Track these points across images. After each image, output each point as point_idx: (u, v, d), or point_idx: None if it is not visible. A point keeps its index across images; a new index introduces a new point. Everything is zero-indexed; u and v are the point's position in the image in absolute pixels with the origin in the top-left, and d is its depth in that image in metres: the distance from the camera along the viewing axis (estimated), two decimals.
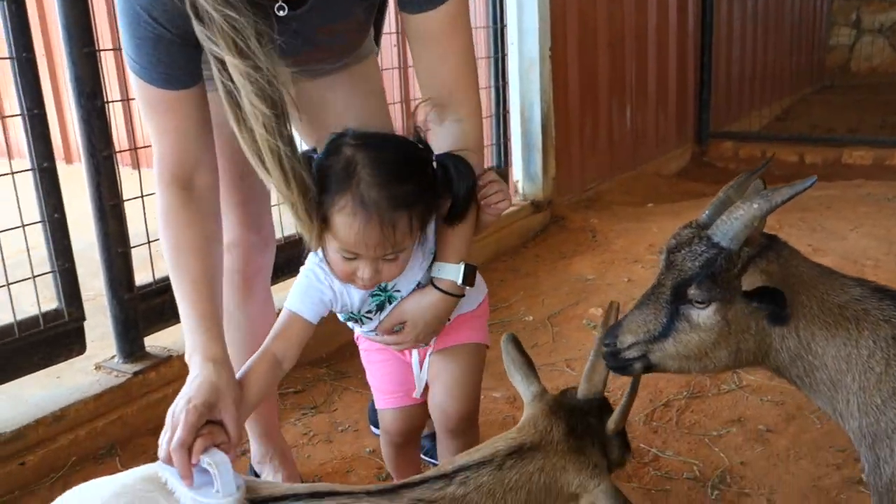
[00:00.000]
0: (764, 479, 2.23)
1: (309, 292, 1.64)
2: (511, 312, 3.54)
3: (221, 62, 1.39)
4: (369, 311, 1.72)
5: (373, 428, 2.51)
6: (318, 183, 1.50)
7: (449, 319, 1.78)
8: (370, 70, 2.03)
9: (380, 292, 1.69)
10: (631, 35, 5.78)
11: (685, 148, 6.85)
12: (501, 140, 4.52)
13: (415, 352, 1.84)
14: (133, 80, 1.54)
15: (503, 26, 4.41)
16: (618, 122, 5.76)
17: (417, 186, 1.54)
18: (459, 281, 1.68)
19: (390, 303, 1.70)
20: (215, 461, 1.36)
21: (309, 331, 1.65)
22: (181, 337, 1.60)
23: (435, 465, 2.31)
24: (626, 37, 5.74)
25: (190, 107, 1.53)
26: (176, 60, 1.47)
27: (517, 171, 4.78)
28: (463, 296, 1.73)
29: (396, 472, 2.00)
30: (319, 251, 1.62)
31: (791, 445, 2.36)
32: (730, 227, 1.35)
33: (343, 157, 1.51)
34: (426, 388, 1.89)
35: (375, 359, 1.89)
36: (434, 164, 1.61)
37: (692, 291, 1.37)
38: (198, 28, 1.38)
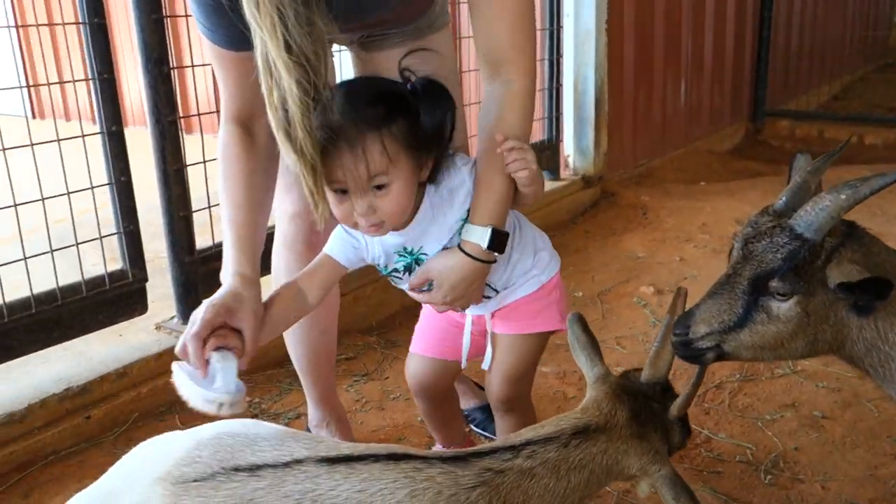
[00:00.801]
0: (818, 465, 2.22)
1: (342, 236, 1.67)
2: None
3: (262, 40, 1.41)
4: (397, 271, 1.72)
5: (473, 427, 2.52)
6: None
7: (496, 290, 1.77)
8: (440, 41, 2.02)
9: (406, 254, 1.68)
10: (688, 7, 5.67)
11: (739, 125, 6.72)
12: (554, 114, 4.48)
13: (469, 321, 1.84)
14: (200, 33, 1.66)
15: None
16: (672, 96, 5.67)
17: (386, 110, 1.51)
18: (485, 245, 1.62)
19: (418, 264, 1.69)
20: (219, 356, 1.45)
21: (337, 273, 1.69)
22: None
23: (486, 437, 2.35)
24: (684, 9, 5.62)
25: (250, 65, 1.52)
26: (234, 26, 1.48)
27: (568, 146, 4.74)
28: (493, 262, 1.68)
29: (432, 423, 2.07)
30: None
31: (847, 433, 2.34)
32: (814, 218, 1.32)
33: (321, 100, 1.47)
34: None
35: (432, 311, 1.88)
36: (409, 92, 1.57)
37: (774, 284, 1.35)
38: (245, 2, 1.39)
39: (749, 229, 1.43)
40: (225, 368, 1.44)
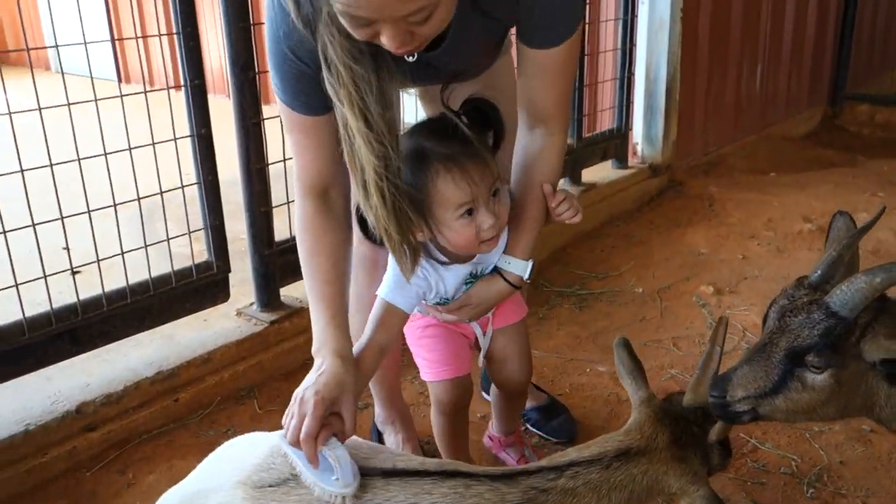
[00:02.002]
0: (862, 480, 2.29)
1: (403, 283, 1.75)
2: (622, 282, 3.62)
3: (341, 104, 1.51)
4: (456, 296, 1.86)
5: (484, 394, 2.69)
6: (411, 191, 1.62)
7: None
8: (501, 69, 2.10)
9: (472, 279, 1.83)
10: None
11: (816, 109, 6.59)
12: (624, 102, 4.51)
13: (477, 325, 2.01)
14: (278, 104, 1.70)
15: None
16: (747, 82, 5.61)
17: (466, 128, 1.65)
18: (526, 276, 1.83)
19: (473, 280, 1.84)
20: (337, 455, 1.51)
21: (405, 319, 1.81)
22: None
23: (542, 436, 2.49)
24: None
25: (327, 129, 1.65)
26: (316, 92, 1.57)
27: (637, 134, 4.77)
28: (519, 287, 1.88)
29: (445, 440, 2.14)
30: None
31: (893, 449, 2.40)
32: (850, 298, 1.38)
33: (408, 154, 1.61)
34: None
35: (433, 333, 2.00)
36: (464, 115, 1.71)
37: (811, 359, 1.42)
38: (326, 75, 1.50)
39: (786, 301, 1.50)
40: (342, 464, 1.50)
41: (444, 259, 1.77)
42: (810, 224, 4.11)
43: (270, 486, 1.59)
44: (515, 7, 1.64)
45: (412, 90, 2.07)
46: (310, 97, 1.61)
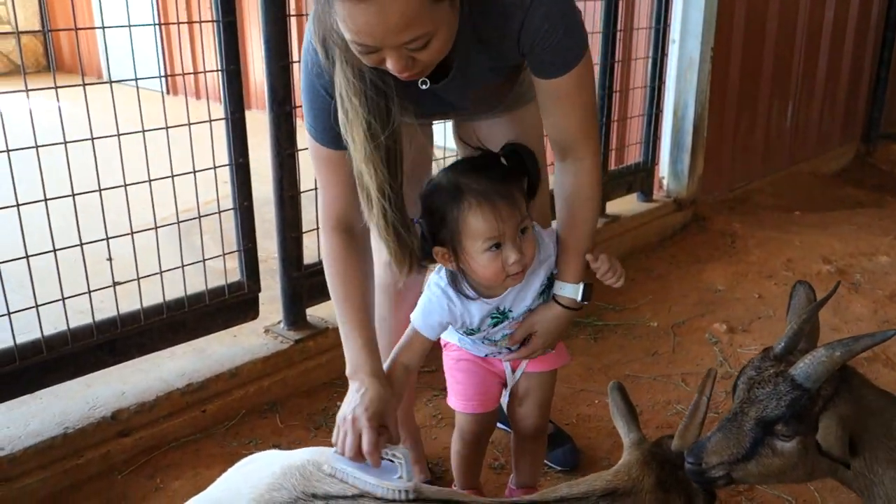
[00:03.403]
0: None
1: (430, 315, 1.92)
2: (637, 316, 3.72)
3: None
4: (488, 332, 1.99)
5: (500, 424, 2.80)
6: (436, 221, 1.80)
7: None
8: (527, 114, 2.23)
9: (498, 315, 1.96)
10: (803, 30, 5.62)
11: (849, 147, 6.61)
12: (651, 137, 4.61)
13: (508, 364, 2.13)
14: (308, 139, 1.88)
15: (666, 26, 4.45)
16: (777, 119, 5.67)
17: (502, 169, 1.82)
18: (579, 298, 1.95)
19: (504, 321, 1.97)
20: (400, 452, 1.70)
21: (429, 345, 1.96)
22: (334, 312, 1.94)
23: (545, 463, 2.61)
24: (798, 32, 5.59)
25: (351, 164, 1.80)
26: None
27: (664, 168, 4.86)
28: (580, 310, 2.00)
29: (461, 465, 2.28)
30: (443, 273, 1.91)
31: None
32: (813, 371, 1.49)
33: (443, 186, 1.80)
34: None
35: (465, 367, 2.15)
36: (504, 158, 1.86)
37: (779, 428, 1.53)
38: (340, 110, 1.69)
39: (753, 373, 1.61)
40: (405, 463, 1.68)
41: (471, 294, 1.91)
42: (829, 266, 4.17)
43: None
44: (516, 46, 1.77)
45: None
46: (336, 130, 1.77)
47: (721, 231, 4.71)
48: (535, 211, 1.96)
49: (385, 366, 1.89)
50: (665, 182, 4.89)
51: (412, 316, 1.94)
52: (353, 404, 1.75)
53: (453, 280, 1.90)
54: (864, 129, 6.72)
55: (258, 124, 3.04)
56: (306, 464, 1.82)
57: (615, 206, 4.48)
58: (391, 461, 1.72)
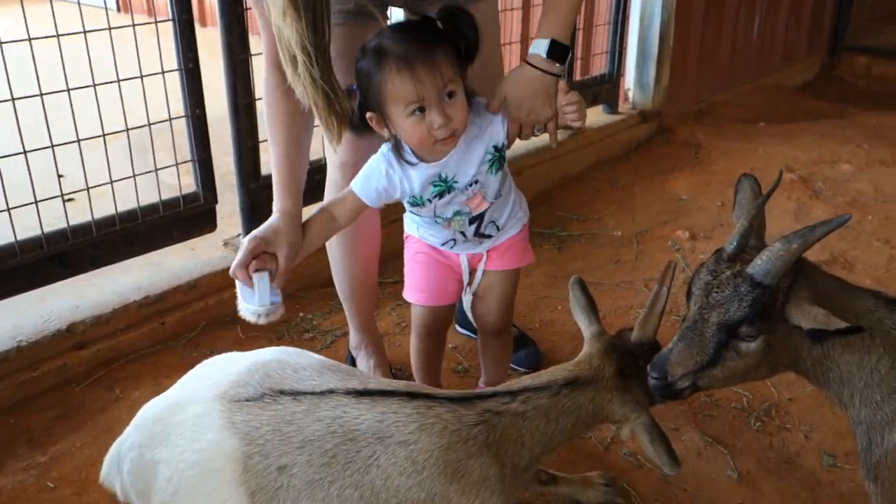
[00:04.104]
0: (807, 416, 2.42)
1: (369, 180, 1.90)
2: (601, 225, 3.71)
3: None
4: (429, 201, 1.94)
5: (457, 326, 2.81)
6: (365, 86, 1.76)
7: (498, 228, 2.02)
8: (486, 9, 2.17)
9: (440, 182, 1.90)
10: None
11: (814, 60, 6.57)
12: (617, 48, 4.53)
13: (465, 260, 2.10)
14: None
15: None
16: (744, 30, 5.60)
17: (433, 32, 1.77)
18: (544, 54, 1.85)
19: (449, 192, 1.91)
20: (258, 275, 1.80)
21: (361, 207, 1.93)
22: None
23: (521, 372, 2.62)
24: None
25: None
26: None
27: (629, 80, 4.81)
28: (557, 75, 1.89)
29: (419, 361, 2.28)
30: (388, 146, 1.87)
31: None
32: (772, 267, 1.44)
33: (369, 50, 1.75)
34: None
35: (422, 259, 2.12)
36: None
37: (744, 330, 1.49)
38: None
39: (710, 277, 1.54)
40: (259, 286, 1.81)
41: (413, 160, 1.86)
42: (792, 174, 4.18)
43: (247, 400, 1.72)
44: None
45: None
46: None
47: (685, 142, 4.69)
48: (484, 84, 1.91)
49: (314, 210, 1.93)
50: (630, 94, 4.83)
51: (353, 181, 1.92)
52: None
53: (396, 146, 1.87)
54: (829, 42, 6.68)
55: (212, 41, 2.92)
56: (271, 361, 1.80)
57: None
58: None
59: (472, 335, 2.74)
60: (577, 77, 4.54)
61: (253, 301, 1.84)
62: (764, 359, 1.55)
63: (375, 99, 1.76)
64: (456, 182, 1.91)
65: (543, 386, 1.76)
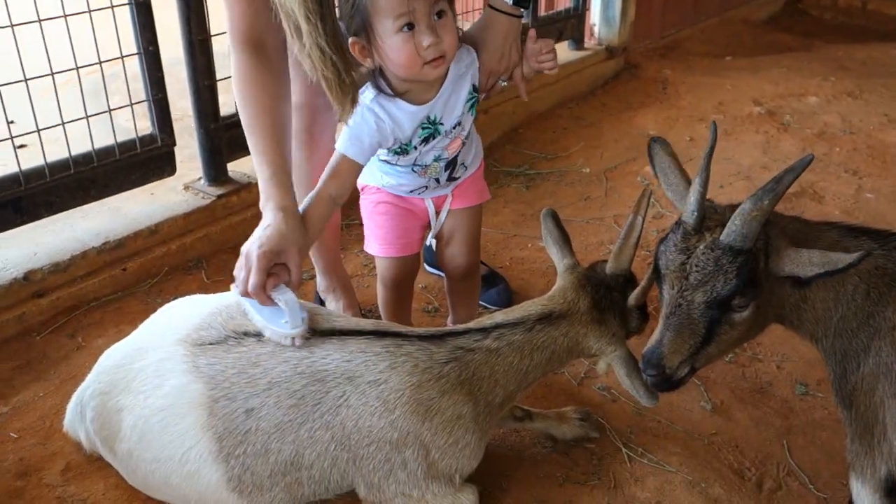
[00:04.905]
0: (779, 347, 2.43)
1: (360, 139, 1.79)
2: (569, 163, 3.67)
3: None
4: (415, 149, 1.88)
5: (427, 266, 2.77)
6: (350, 7, 1.64)
7: (465, 167, 1.99)
8: None
9: (428, 125, 1.84)
10: None
11: None
12: None
13: (430, 204, 2.05)
14: None
15: None
16: None
17: None
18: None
19: (435, 137, 1.86)
20: (285, 299, 1.62)
21: (358, 170, 1.83)
22: None
23: (480, 304, 2.59)
24: None
25: None
26: None
27: (595, 15, 4.72)
28: (520, 16, 1.87)
29: (388, 312, 2.23)
30: (368, 89, 1.77)
31: None
32: (748, 230, 1.38)
33: None
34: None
35: (385, 210, 2.05)
36: None
37: (737, 301, 1.43)
38: None
39: (682, 256, 1.46)
40: (290, 308, 1.61)
41: (389, 91, 1.77)
42: (760, 108, 4.16)
43: (210, 343, 1.68)
44: None
45: None
46: None
47: (652, 78, 4.64)
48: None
49: (309, 198, 1.77)
50: (596, 29, 4.75)
51: (337, 144, 1.81)
52: (253, 239, 1.64)
53: (375, 83, 1.77)
54: None
55: None
56: (233, 305, 1.75)
57: None
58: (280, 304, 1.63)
59: (441, 274, 2.71)
60: (542, 12, 4.44)
61: (282, 324, 1.63)
62: (755, 321, 1.51)
63: (361, 16, 1.64)
64: (442, 124, 1.86)
65: (517, 322, 1.74)
